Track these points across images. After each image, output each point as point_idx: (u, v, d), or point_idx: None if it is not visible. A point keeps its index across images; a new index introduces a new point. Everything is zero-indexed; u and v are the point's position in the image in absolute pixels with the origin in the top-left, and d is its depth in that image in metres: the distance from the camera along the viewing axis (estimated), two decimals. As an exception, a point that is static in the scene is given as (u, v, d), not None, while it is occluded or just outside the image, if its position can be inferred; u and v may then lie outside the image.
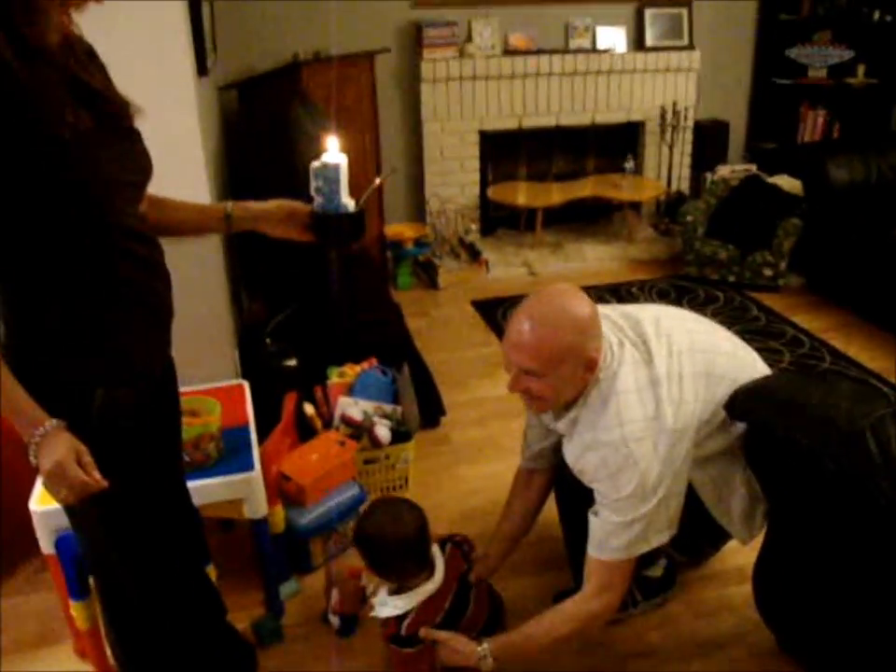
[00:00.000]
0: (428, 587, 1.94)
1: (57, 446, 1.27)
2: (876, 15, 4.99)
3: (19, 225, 1.26)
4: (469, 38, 4.92)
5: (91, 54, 1.39)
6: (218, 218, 1.63)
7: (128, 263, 1.38)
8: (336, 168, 1.56)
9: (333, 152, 1.57)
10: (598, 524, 1.79)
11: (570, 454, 1.86)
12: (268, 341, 3.03)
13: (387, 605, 1.94)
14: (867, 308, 4.11)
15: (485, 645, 1.86)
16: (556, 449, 2.06)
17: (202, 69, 2.68)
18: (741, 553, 2.26)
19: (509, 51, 5.00)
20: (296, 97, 3.67)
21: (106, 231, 1.33)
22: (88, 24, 1.32)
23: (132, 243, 1.38)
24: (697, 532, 2.02)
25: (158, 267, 1.47)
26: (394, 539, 1.92)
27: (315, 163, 1.58)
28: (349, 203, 1.61)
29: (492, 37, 4.95)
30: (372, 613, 1.98)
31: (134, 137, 1.41)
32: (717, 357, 1.89)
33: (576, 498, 1.95)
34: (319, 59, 4.39)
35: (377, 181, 1.80)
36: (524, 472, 2.24)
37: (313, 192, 1.60)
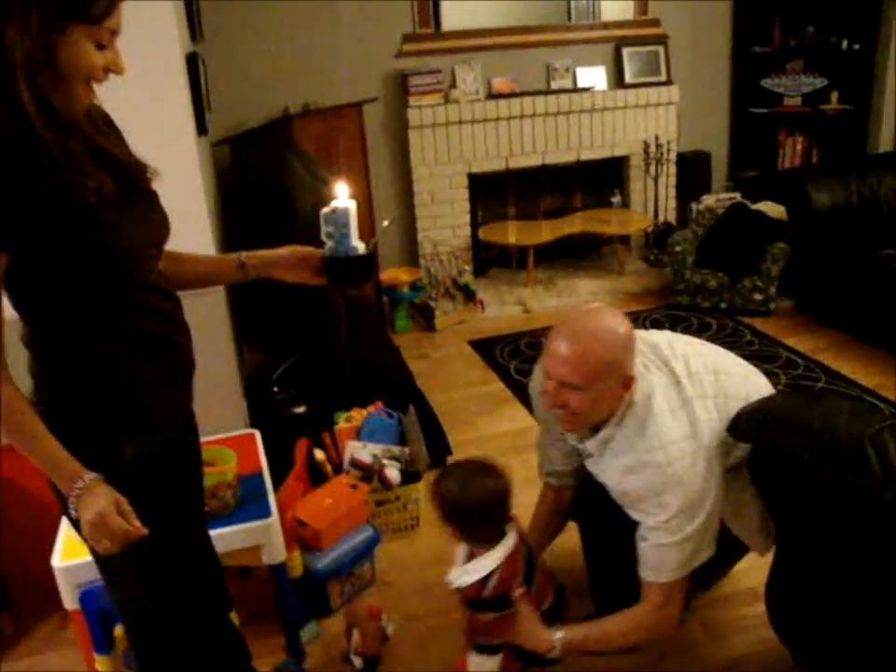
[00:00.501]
0: (508, 542, 1.91)
1: (97, 498, 1.32)
2: (845, 44, 5.15)
3: (47, 284, 1.33)
4: (454, 84, 5.04)
5: (109, 122, 1.47)
6: (233, 268, 1.68)
7: (150, 319, 1.44)
8: (345, 212, 1.61)
9: (342, 198, 1.61)
10: (649, 548, 1.83)
11: (609, 477, 1.90)
12: (275, 389, 3.09)
13: (468, 573, 1.90)
14: (858, 327, 4.19)
15: (560, 634, 1.89)
16: (578, 469, 2.11)
17: (201, 129, 2.76)
18: (752, 574, 2.30)
19: (493, 95, 5.13)
20: (288, 148, 3.76)
21: (129, 289, 1.40)
22: (99, 92, 1.40)
23: (153, 298, 1.45)
24: (712, 559, 2.07)
25: (179, 321, 1.53)
26: (493, 491, 1.89)
27: (325, 209, 1.62)
28: (359, 245, 1.64)
29: (476, 82, 5.07)
30: (455, 585, 1.93)
31: (152, 199, 1.49)
32: (730, 377, 1.95)
33: (599, 528, 1.99)
34: (309, 111, 4.50)
35: (385, 223, 1.87)
36: (548, 490, 2.28)
37: (323, 237, 1.64)
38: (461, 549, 1.97)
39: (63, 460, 1.33)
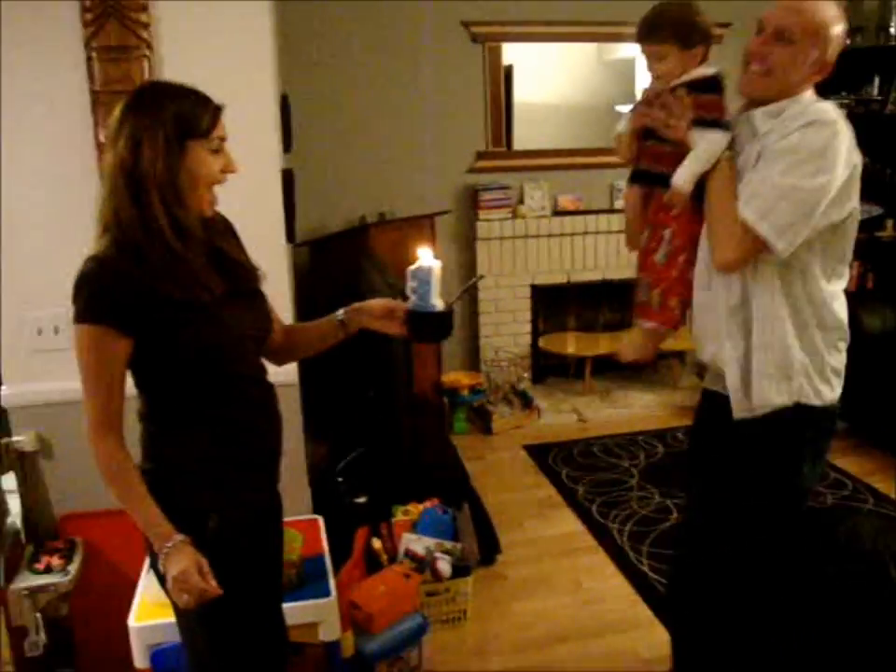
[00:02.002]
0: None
1: (182, 557, 1.53)
2: (899, 175, 5.34)
3: (161, 368, 1.60)
4: (522, 201, 5.33)
5: (228, 226, 1.77)
6: (335, 326, 1.86)
7: (242, 407, 1.68)
8: (429, 271, 1.71)
9: (427, 258, 1.72)
10: (756, 178, 1.80)
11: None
12: (339, 479, 3.28)
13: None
14: (909, 452, 4.23)
15: None
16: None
17: (290, 237, 3.05)
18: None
19: (558, 212, 5.40)
20: (364, 255, 4.02)
21: (228, 379, 1.65)
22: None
23: (249, 388, 1.70)
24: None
25: (268, 408, 1.77)
26: None
27: (412, 267, 1.73)
28: (438, 303, 1.73)
29: (542, 199, 5.35)
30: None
31: (259, 298, 1.75)
32: None
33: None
34: (384, 220, 4.81)
35: (470, 282, 2.02)
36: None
37: (408, 292, 1.75)
38: None
39: (158, 521, 1.56)
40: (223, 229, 1.74)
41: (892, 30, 5.21)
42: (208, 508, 1.66)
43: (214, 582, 1.54)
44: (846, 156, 1.77)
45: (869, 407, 4.54)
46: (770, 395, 1.92)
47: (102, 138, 2.34)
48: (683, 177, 1.84)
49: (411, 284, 1.74)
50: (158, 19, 2.54)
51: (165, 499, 1.59)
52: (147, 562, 2.08)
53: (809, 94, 1.87)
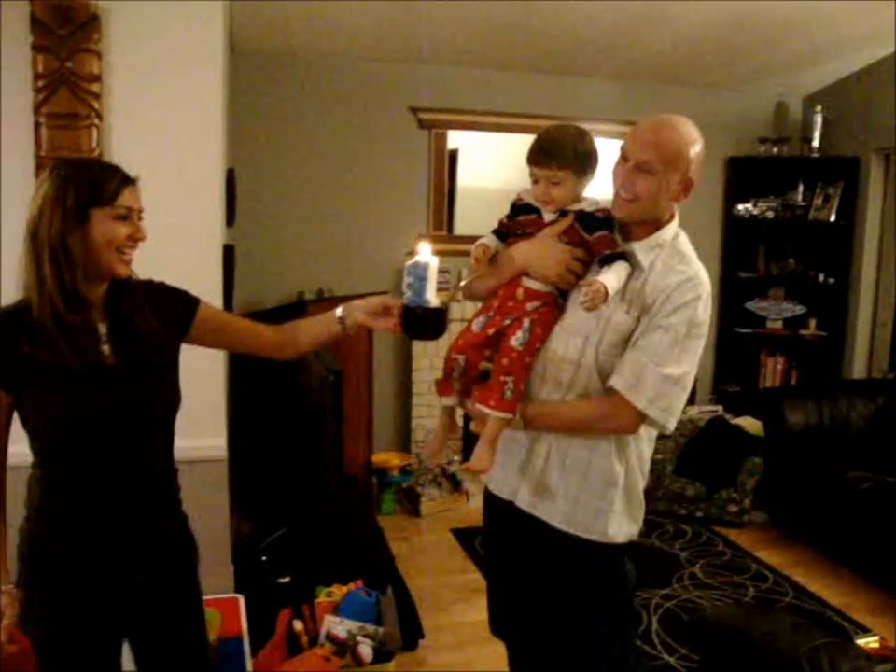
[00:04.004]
0: None
1: None
2: (822, 277, 5.59)
3: (26, 427, 1.67)
4: (460, 281, 5.39)
5: (149, 294, 1.78)
6: (334, 321, 1.89)
7: (97, 479, 1.69)
8: (425, 266, 1.71)
9: (425, 254, 1.72)
10: (635, 355, 1.82)
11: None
12: (263, 558, 3.22)
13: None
14: (827, 544, 4.34)
15: None
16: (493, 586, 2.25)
17: (227, 309, 3.06)
18: None
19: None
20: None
21: (83, 450, 1.67)
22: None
23: (110, 462, 1.70)
24: None
25: (137, 488, 1.75)
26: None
27: (409, 262, 1.74)
28: (433, 300, 1.73)
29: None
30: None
31: (162, 371, 1.77)
32: None
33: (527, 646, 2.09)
34: (322, 297, 4.84)
35: (460, 283, 1.99)
36: None
37: (404, 288, 1.75)
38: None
39: None
40: (141, 297, 1.75)
41: (814, 142, 5.52)
42: (48, 560, 1.69)
43: (4, 637, 1.58)
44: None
45: (791, 500, 4.66)
46: None
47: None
48: (612, 284, 1.82)
49: (407, 279, 1.74)
50: (110, 89, 2.57)
51: (22, 552, 1.69)
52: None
53: (675, 221, 1.94)
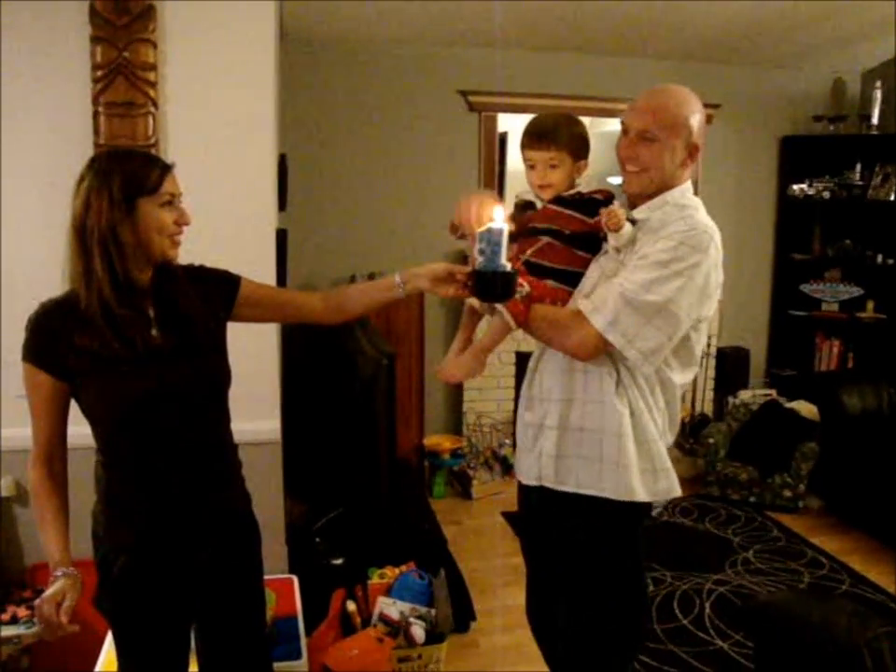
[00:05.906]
0: None
1: (54, 587, 1.63)
2: (880, 258, 5.45)
3: (87, 416, 1.71)
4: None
5: (196, 276, 1.83)
6: (393, 285, 1.91)
7: (159, 459, 1.73)
8: (500, 232, 1.71)
9: (498, 219, 1.72)
10: (609, 283, 1.83)
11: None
12: (317, 539, 3.26)
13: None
14: (886, 532, 4.25)
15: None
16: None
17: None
18: None
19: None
20: (354, 317, 4.05)
21: (139, 430, 1.71)
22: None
23: (169, 441, 1.74)
24: None
25: (197, 463, 1.79)
26: None
27: (481, 228, 1.73)
28: (506, 264, 1.73)
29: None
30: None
31: (207, 352, 1.79)
32: None
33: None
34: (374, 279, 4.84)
35: (529, 252, 1.98)
36: None
37: (476, 254, 1.75)
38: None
39: (52, 550, 1.67)
40: (184, 279, 1.79)
41: (874, 119, 5.38)
42: (120, 548, 1.73)
43: (65, 619, 1.59)
44: (705, 268, 1.82)
45: (847, 486, 4.58)
46: None
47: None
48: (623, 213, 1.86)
49: (479, 245, 1.74)
50: (165, 78, 2.61)
51: (97, 535, 1.74)
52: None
53: (683, 185, 1.92)
